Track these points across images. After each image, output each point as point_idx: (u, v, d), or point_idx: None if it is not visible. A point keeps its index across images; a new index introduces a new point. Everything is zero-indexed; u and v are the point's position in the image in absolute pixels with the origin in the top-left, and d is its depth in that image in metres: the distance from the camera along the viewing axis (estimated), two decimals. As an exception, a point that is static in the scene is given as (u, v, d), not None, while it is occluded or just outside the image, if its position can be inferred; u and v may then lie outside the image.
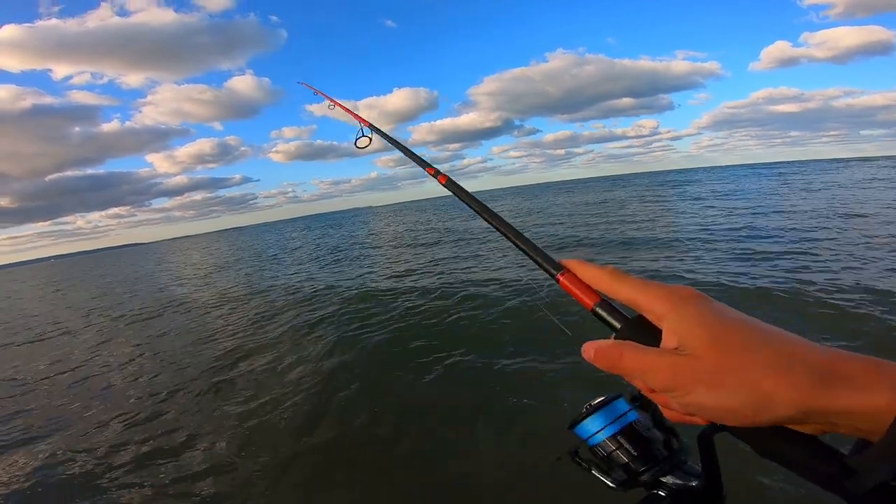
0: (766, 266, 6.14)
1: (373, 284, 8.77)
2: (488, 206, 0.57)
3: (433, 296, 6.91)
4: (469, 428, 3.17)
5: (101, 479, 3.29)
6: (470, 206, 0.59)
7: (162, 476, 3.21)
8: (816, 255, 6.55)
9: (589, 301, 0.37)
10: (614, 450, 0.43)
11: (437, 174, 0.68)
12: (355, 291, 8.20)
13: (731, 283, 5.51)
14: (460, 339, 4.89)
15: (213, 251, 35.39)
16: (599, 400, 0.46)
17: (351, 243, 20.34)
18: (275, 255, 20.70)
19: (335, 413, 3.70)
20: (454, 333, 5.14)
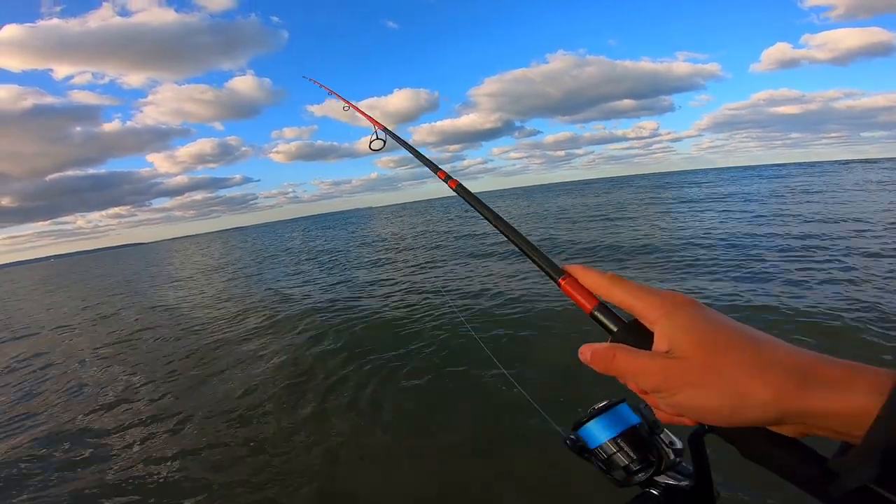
0: (761, 274, 6.10)
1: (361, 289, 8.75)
2: (497, 211, 0.59)
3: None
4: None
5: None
6: (478, 211, 0.61)
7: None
8: (816, 260, 6.54)
9: (588, 305, 0.39)
10: (615, 452, 0.44)
11: (447, 178, 0.69)
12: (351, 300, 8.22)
13: (725, 293, 5.51)
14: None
15: (208, 252, 35.48)
16: (603, 404, 0.47)
17: (348, 246, 20.39)
18: (271, 255, 20.81)
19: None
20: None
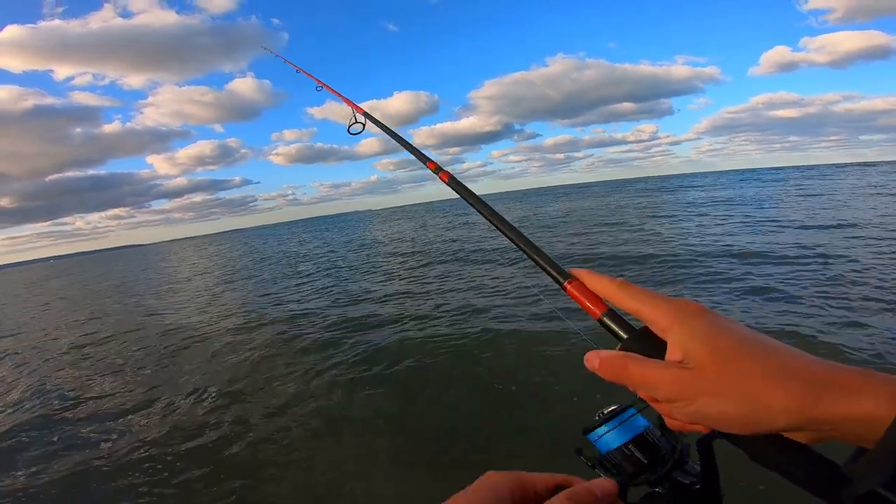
0: (760, 282, 6.02)
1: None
2: (494, 208, 0.53)
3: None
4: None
5: None
6: (474, 207, 0.55)
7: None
8: (816, 267, 6.47)
9: (596, 311, 0.38)
10: (625, 458, 0.44)
11: (438, 170, 0.61)
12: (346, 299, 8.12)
13: (723, 300, 5.45)
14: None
15: (205, 254, 35.74)
16: (611, 409, 0.47)
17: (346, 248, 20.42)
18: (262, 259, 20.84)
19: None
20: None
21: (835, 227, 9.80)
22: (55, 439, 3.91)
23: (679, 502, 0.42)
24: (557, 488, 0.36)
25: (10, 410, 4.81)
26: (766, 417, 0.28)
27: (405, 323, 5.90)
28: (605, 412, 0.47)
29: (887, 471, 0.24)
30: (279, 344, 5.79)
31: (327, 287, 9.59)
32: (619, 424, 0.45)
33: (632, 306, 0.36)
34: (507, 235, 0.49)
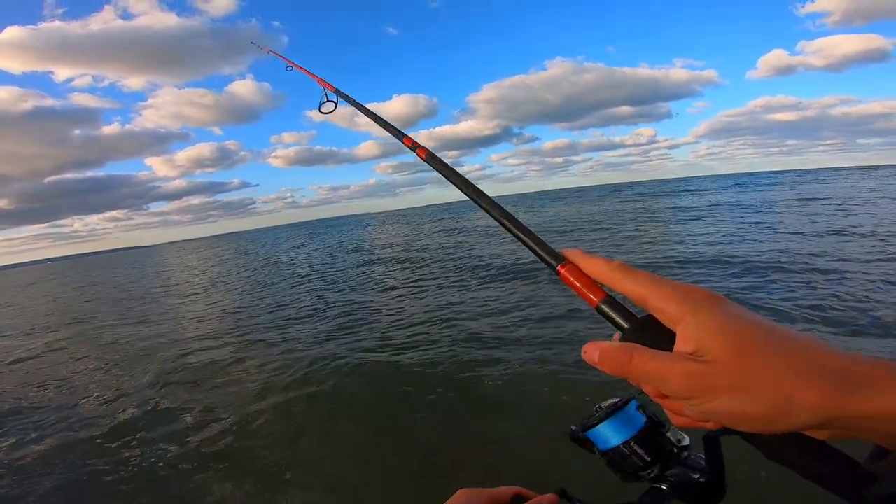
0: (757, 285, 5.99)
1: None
2: (478, 185, 0.49)
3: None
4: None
5: None
6: (455, 185, 0.52)
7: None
8: (815, 271, 6.42)
9: (593, 297, 0.34)
10: (626, 456, 0.42)
11: (415, 147, 0.57)
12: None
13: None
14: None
15: (203, 256, 35.78)
16: (611, 403, 0.44)
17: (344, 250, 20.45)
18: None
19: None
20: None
21: (831, 233, 9.73)
22: None
23: (682, 497, 0.41)
24: (514, 498, 0.39)
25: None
26: (791, 414, 0.26)
27: (390, 333, 5.77)
28: (605, 405, 0.44)
29: None
30: (258, 355, 5.52)
31: (313, 294, 9.54)
32: (620, 421, 0.43)
33: (634, 291, 0.32)
34: (492, 216, 0.45)
